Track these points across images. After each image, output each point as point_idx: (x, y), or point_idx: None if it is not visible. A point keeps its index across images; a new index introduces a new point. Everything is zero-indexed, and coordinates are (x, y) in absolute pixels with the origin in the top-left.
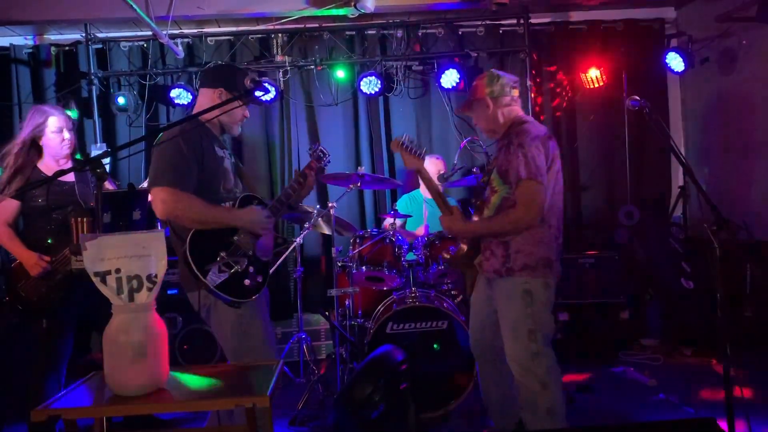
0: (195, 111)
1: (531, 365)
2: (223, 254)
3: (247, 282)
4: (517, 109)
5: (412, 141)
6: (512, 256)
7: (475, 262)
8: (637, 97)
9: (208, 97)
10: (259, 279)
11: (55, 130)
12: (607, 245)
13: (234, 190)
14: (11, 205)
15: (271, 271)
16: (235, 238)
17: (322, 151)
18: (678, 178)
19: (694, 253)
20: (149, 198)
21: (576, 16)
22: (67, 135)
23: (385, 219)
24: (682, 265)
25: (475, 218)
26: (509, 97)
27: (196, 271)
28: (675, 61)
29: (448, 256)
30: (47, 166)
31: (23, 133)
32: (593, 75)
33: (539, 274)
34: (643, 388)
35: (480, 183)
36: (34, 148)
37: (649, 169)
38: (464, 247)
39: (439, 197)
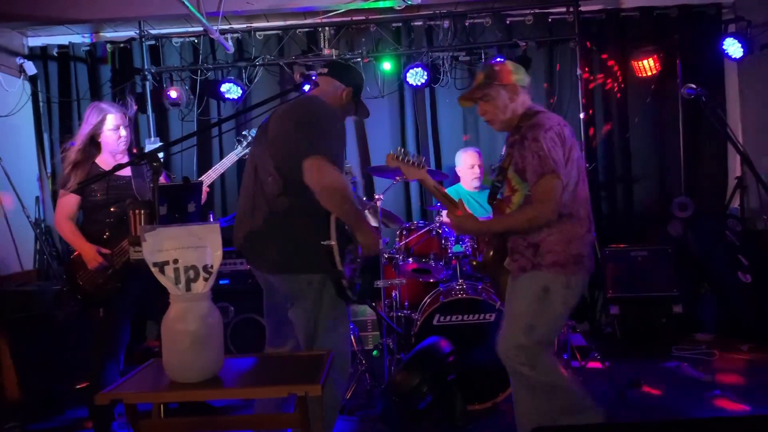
0: (317, 95)
1: (514, 354)
2: (351, 248)
3: (357, 283)
4: (529, 101)
5: (407, 153)
6: (542, 254)
7: (505, 264)
8: (693, 86)
9: (334, 89)
10: (361, 281)
11: (112, 128)
12: (660, 238)
13: None
14: (72, 200)
15: None
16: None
17: None
18: (735, 168)
19: (751, 246)
20: (307, 166)
21: (628, 2)
22: (123, 132)
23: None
24: (739, 258)
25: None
26: (527, 89)
27: (338, 257)
28: (733, 48)
29: (476, 263)
30: (105, 161)
31: (83, 131)
32: (646, 63)
33: (568, 271)
34: (698, 383)
35: (494, 182)
36: (93, 144)
37: (704, 159)
38: (490, 252)
39: (444, 198)
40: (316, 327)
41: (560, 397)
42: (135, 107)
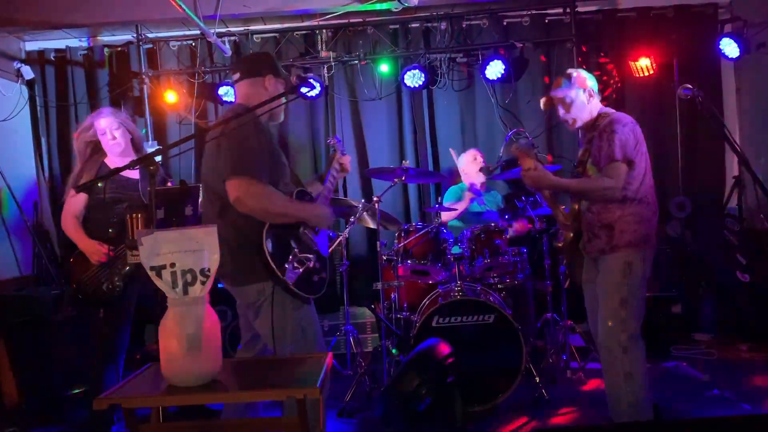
0: (242, 102)
1: (616, 327)
2: (296, 250)
3: (315, 278)
4: (602, 105)
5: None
6: (617, 236)
7: (579, 247)
8: (690, 86)
9: (256, 87)
10: (324, 275)
11: (103, 133)
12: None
13: (289, 185)
14: (80, 199)
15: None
16: (301, 232)
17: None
18: (733, 168)
19: (750, 245)
20: (228, 189)
21: (624, 2)
22: (115, 135)
23: (439, 214)
24: (738, 258)
25: (563, 207)
26: (597, 94)
27: (275, 267)
28: (729, 48)
29: (560, 245)
30: (113, 162)
31: (79, 139)
32: (643, 63)
33: (640, 248)
34: (697, 383)
35: (574, 173)
36: (99, 147)
37: (701, 159)
38: (570, 234)
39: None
40: (284, 333)
41: (630, 390)
42: (124, 112)
